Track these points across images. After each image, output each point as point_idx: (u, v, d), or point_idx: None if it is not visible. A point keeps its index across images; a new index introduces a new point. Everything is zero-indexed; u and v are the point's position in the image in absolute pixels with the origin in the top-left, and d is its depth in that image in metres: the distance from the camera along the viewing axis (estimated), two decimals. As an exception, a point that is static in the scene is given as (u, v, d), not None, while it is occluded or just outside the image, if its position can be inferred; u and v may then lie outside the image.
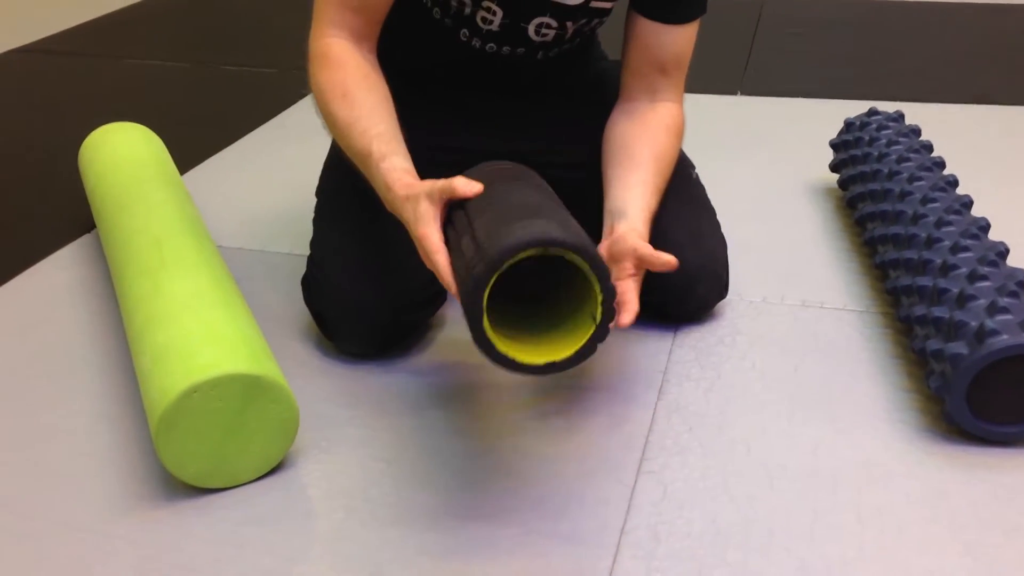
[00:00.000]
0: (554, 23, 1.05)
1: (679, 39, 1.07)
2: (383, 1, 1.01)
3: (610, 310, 0.78)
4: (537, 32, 1.05)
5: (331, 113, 0.96)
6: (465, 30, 1.06)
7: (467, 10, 1.04)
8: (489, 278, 0.74)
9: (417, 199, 0.83)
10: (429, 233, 0.82)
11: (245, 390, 0.87)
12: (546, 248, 0.75)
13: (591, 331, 0.78)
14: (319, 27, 1.01)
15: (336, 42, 0.99)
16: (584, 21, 1.07)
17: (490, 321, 0.77)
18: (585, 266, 0.77)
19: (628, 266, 0.92)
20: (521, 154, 1.05)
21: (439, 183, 0.83)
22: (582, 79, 1.21)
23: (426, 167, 0.93)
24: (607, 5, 1.06)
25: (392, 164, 0.88)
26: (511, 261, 0.74)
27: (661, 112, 1.09)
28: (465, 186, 0.82)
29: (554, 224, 0.76)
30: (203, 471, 0.89)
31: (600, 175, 1.08)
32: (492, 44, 1.07)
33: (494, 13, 1.03)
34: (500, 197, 0.82)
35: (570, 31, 1.08)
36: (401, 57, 1.09)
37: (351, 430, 0.98)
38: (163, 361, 0.89)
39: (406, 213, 0.85)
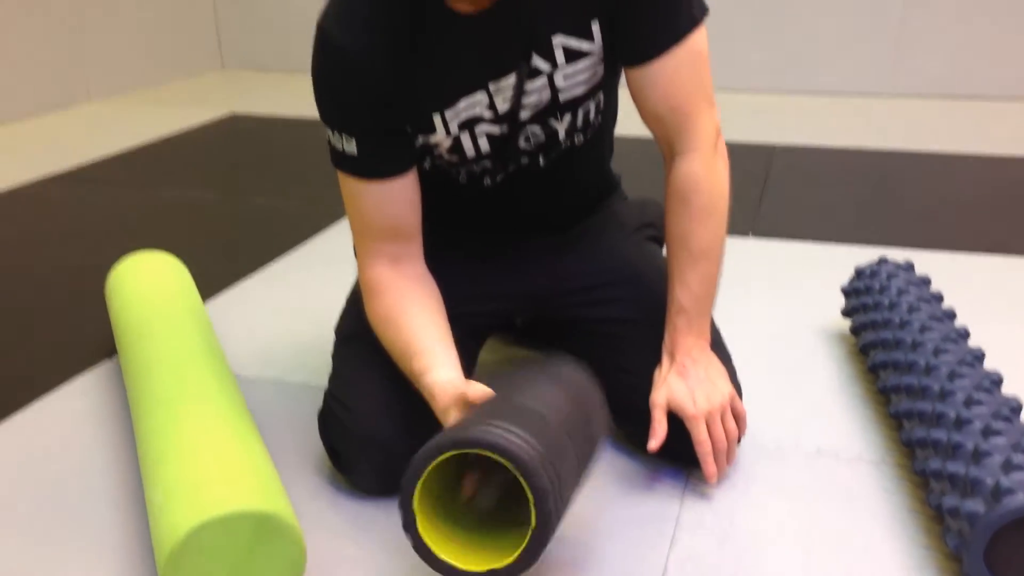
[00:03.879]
0: (537, 128, 1.06)
1: (660, 78, 1.00)
2: (412, 221, 1.07)
3: (544, 523, 0.79)
4: (527, 141, 1.07)
5: (381, 338, 1.06)
6: (475, 170, 1.09)
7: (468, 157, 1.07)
8: (416, 475, 0.82)
9: (447, 411, 0.95)
10: None
11: (254, 528, 0.87)
12: (475, 449, 0.79)
13: (525, 542, 0.80)
14: (361, 259, 1.10)
15: (376, 273, 1.07)
16: (570, 117, 1.06)
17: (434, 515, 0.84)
18: (518, 476, 0.79)
19: None
20: (548, 295, 1.16)
21: (466, 395, 0.92)
22: (598, 216, 1.23)
23: (465, 319, 1.04)
24: (578, 92, 1.03)
25: (433, 378, 0.97)
26: (440, 458, 0.81)
27: (676, 177, 1.05)
28: (475, 395, 0.92)
29: (500, 428, 0.80)
30: (207, 611, 0.88)
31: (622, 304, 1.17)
32: (499, 173, 1.09)
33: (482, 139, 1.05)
34: (507, 394, 0.89)
35: (561, 131, 1.07)
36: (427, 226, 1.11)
37: (359, 572, 0.97)
38: (174, 495, 0.89)
39: (447, 419, 0.96)
